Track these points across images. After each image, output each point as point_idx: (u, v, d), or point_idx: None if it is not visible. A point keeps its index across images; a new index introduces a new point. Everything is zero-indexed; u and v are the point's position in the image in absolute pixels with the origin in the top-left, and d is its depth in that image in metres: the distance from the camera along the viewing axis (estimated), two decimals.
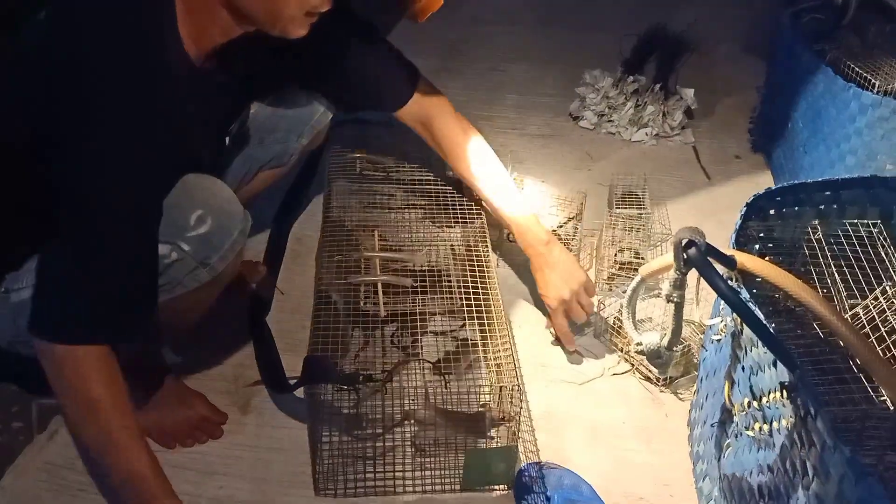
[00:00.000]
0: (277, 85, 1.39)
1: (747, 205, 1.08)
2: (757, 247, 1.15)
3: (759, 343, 0.89)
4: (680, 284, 0.88)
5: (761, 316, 0.84)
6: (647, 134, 2.14)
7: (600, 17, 2.71)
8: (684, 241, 0.86)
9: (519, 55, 2.51)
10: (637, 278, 1.06)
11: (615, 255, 1.64)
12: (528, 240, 1.44)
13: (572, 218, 1.74)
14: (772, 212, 1.13)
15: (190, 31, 1.05)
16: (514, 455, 1.19)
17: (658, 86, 2.19)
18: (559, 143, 2.12)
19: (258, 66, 1.21)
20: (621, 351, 1.38)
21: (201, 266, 1.08)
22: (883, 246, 1.08)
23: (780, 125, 1.93)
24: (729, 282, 0.92)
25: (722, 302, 1.05)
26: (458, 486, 1.20)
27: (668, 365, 0.94)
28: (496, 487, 1.21)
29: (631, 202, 1.80)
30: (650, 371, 1.23)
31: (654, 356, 0.93)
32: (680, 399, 1.34)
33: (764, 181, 2.02)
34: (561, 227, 1.74)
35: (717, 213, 1.87)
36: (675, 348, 0.95)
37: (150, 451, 1.03)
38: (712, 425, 1.11)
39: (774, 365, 0.85)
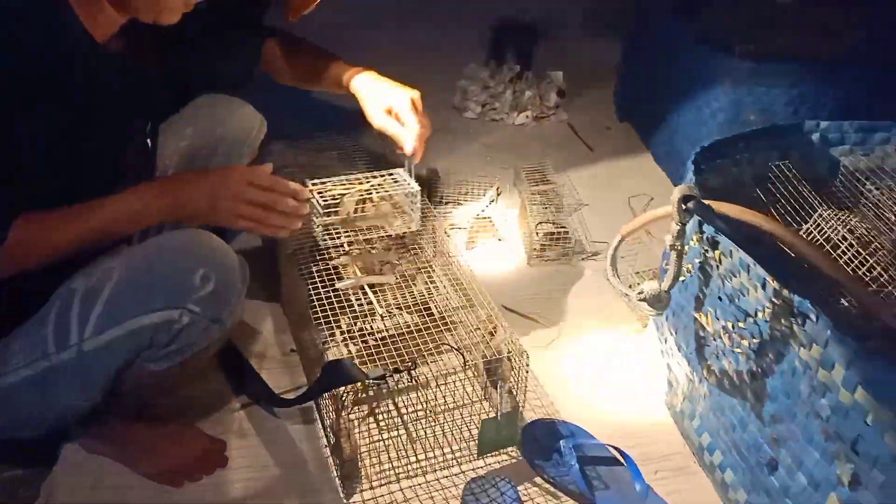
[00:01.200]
0: (178, 71, 1.35)
1: (691, 162, 1.24)
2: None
3: (743, 271, 1.06)
4: (680, 234, 1.02)
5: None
6: (527, 116, 2.32)
7: (455, 13, 2.86)
8: (683, 196, 1.01)
9: (391, 56, 2.56)
10: (617, 237, 1.20)
11: (536, 227, 1.78)
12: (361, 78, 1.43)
13: (492, 201, 1.88)
14: (703, 167, 1.31)
15: (83, 14, 1.04)
16: (519, 418, 1.29)
17: (529, 72, 2.37)
18: (452, 135, 2.25)
19: (158, 49, 1.21)
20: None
21: (213, 323, 1.10)
22: (795, 178, 1.30)
23: (644, 95, 2.17)
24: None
25: (685, 248, 1.22)
26: (474, 456, 1.28)
27: (666, 305, 1.09)
28: (507, 450, 1.31)
29: (537, 180, 1.96)
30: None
31: (656, 300, 1.07)
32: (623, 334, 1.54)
33: (637, 146, 2.27)
34: (483, 210, 1.87)
35: (608, 177, 2.08)
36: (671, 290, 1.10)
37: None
38: (688, 354, 1.28)
39: (763, 286, 1.02)
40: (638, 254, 1.73)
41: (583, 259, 1.78)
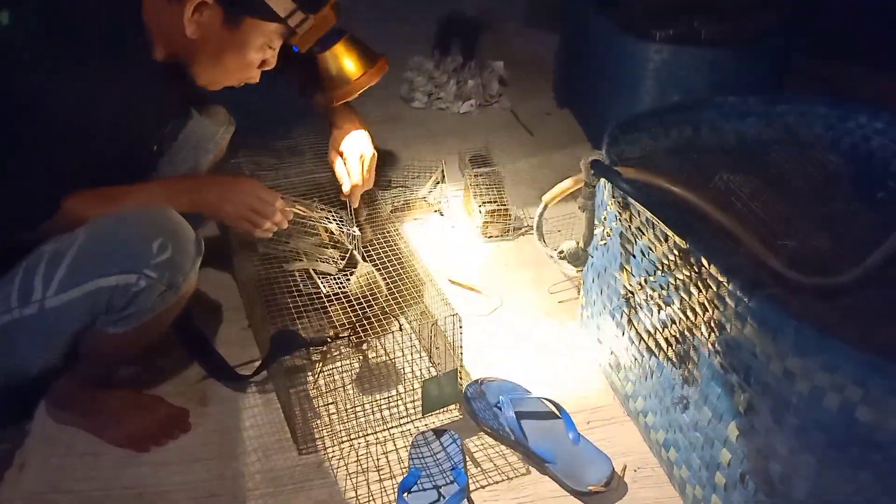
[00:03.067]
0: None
1: (607, 135, 1.36)
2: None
3: (650, 227, 1.18)
4: (590, 196, 1.13)
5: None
6: (471, 105, 2.43)
7: (400, 8, 2.96)
8: (590, 160, 1.12)
9: None
10: (541, 205, 1.31)
11: (480, 207, 1.89)
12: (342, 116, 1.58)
13: (438, 183, 1.98)
14: (620, 139, 1.43)
15: (155, 31, 1.20)
16: (458, 377, 1.40)
17: (472, 63, 2.48)
18: (401, 125, 2.35)
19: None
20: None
21: (168, 289, 1.18)
22: (704, 148, 1.43)
23: (581, 82, 2.30)
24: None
25: (604, 213, 1.35)
26: (419, 415, 1.39)
27: (584, 261, 1.20)
28: (450, 408, 1.41)
29: (480, 163, 2.07)
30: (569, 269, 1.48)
31: (574, 257, 1.18)
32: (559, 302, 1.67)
33: (575, 130, 2.39)
34: (430, 192, 1.98)
35: (546, 159, 2.21)
36: (588, 247, 1.21)
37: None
38: (612, 311, 1.40)
39: (665, 240, 1.14)
40: (572, 225, 1.85)
41: (523, 234, 1.89)
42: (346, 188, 1.53)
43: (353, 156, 1.53)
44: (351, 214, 1.54)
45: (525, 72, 2.64)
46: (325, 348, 1.24)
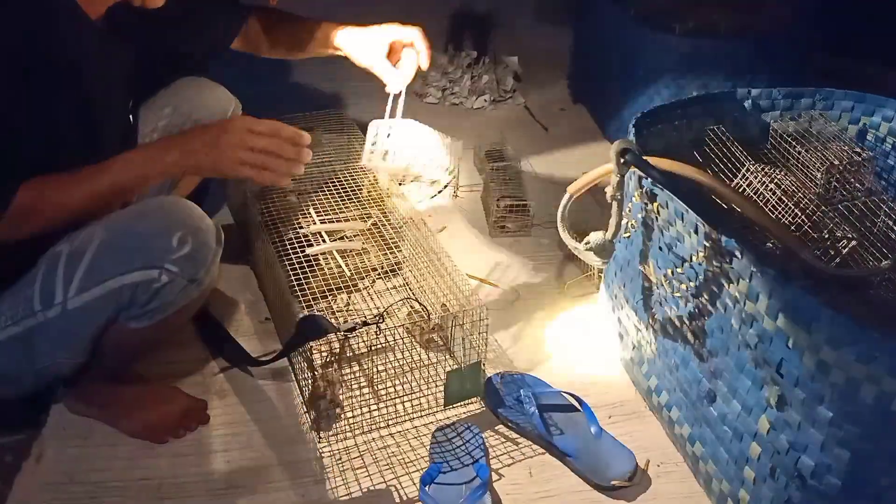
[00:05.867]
0: (158, 51, 1.40)
1: (632, 125, 1.35)
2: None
3: (678, 220, 1.16)
4: (619, 185, 1.12)
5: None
6: (485, 100, 2.42)
7: (411, 3, 2.94)
8: (621, 149, 1.11)
9: None
10: (566, 196, 1.30)
11: (497, 201, 1.88)
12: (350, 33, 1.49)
13: (453, 177, 1.97)
14: (644, 131, 1.41)
15: None
16: (482, 371, 1.39)
17: (486, 58, 2.47)
18: (414, 119, 2.32)
19: (141, 29, 1.27)
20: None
21: (190, 283, 1.16)
22: (727, 139, 1.41)
23: (596, 77, 2.29)
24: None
25: (628, 206, 1.33)
26: (441, 406, 1.37)
27: (611, 253, 1.19)
28: (472, 400, 1.40)
29: (496, 157, 2.05)
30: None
31: (601, 249, 1.17)
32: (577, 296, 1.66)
33: (589, 125, 2.38)
34: (445, 187, 1.97)
35: (563, 155, 2.20)
36: (615, 239, 1.20)
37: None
38: (635, 305, 1.38)
39: (696, 231, 1.13)
40: (589, 220, 1.83)
41: (540, 228, 1.88)
42: (395, 87, 1.43)
43: (415, 35, 1.43)
44: (394, 111, 1.45)
45: (538, 66, 2.63)
46: (353, 335, 1.22)
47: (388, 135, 1.42)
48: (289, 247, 1.43)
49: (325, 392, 1.29)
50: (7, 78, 1.02)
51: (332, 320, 1.28)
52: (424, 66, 1.44)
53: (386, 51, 1.44)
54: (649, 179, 1.19)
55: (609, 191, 1.15)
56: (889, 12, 2.19)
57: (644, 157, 1.14)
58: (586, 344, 1.55)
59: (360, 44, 1.45)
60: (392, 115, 1.46)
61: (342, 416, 1.32)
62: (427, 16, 2.72)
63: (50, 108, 1.09)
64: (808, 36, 2.07)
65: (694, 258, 1.13)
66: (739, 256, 1.05)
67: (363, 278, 1.51)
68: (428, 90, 2.42)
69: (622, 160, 1.11)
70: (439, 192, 1.98)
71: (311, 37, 1.50)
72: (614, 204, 1.15)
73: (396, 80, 1.43)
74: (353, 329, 1.22)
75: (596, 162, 2.12)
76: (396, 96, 1.43)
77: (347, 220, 1.51)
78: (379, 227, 1.55)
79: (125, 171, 1.13)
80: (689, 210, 1.09)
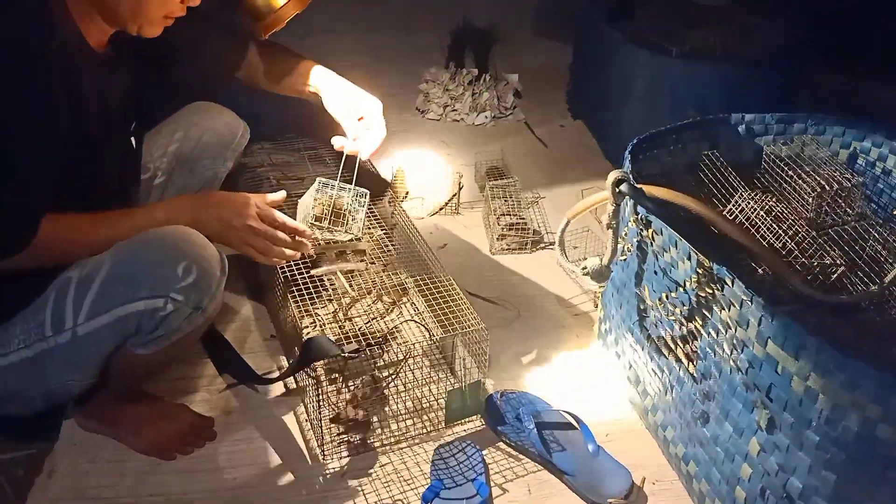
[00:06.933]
0: (158, 77, 1.45)
1: (628, 152, 1.39)
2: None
3: (673, 246, 1.20)
4: (615, 214, 1.16)
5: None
6: (486, 117, 2.46)
7: (411, 19, 2.99)
8: (616, 179, 1.15)
9: (354, 61, 2.68)
10: (564, 221, 1.33)
11: (498, 219, 1.92)
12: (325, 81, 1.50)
13: (454, 196, 2.01)
14: (640, 156, 1.45)
15: (81, 24, 1.17)
16: (482, 389, 1.42)
17: (486, 75, 2.51)
18: (416, 136, 2.38)
19: (141, 57, 1.32)
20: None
21: (195, 311, 1.20)
22: (721, 164, 1.45)
23: (595, 95, 2.33)
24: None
25: (624, 231, 1.37)
26: (442, 425, 1.41)
27: (607, 277, 1.22)
28: (472, 418, 1.44)
29: (496, 175, 2.09)
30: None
31: (598, 274, 1.21)
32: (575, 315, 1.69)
33: (588, 141, 2.42)
34: (448, 203, 2.01)
35: (562, 172, 2.23)
36: (611, 264, 1.24)
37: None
38: (631, 326, 1.42)
39: (689, 258, 1.17)
40: (589, 241, 1.87)
41: (541, 248, 1.92)
42: (366, 154, 1.44)
43: (375, 111, 1.45)
44: (354, 175, 1.47)
45: (538, 82, 2.67)
46: (357, 356, 1.26)
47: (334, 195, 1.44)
48: (294, 267, 1.46)
49: (329, 409, 1.32)
50: (30, 112, 1.07)
51: (336, 340, 1.32)
52: (364, 156, 1.45)
53: (356, 112, 1.48)
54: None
55: (605, 219, 1.18)
56: (881, 30, 2.23)
57: (639, 186, 1.18)
58: (585, 362, 1.59)
59: (336, 96, 1.48)
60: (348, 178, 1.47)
61: (346, 434, 1.36)
62: (428, 32, 2.79)
63: (54, 135, 1.13)
64: (801, 55, 2.11)
65: (687, 283, 1.17)
66: (731, 284, 1.09)
67: (366, 296, 1.55)
68: (429, 107, 2.46)
69: (618, 190, 1.15)
70: (440, 208, 2.03)
71: (294, 73, 1.52)
72: (610, 231, 1.19)
73: (365, 147, 1.45)
74: (357, 351, 1.26)
75: (595, 178, 2.20)
76: (356, 159, 1.46)
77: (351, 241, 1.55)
78: (382, 247, 1.58)
79: (146, 222, 1.21)
80: (682, 238, 1.13)
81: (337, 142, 1.45)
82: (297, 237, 1.35)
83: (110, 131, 1.27)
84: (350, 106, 1.47)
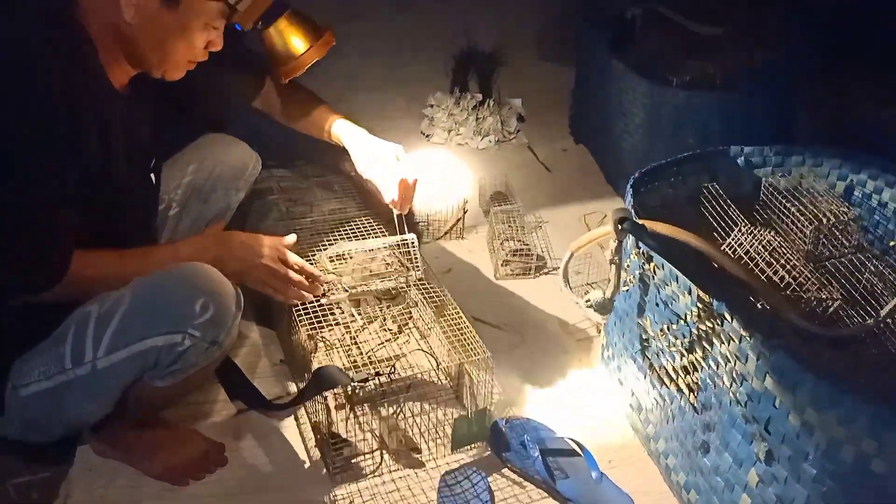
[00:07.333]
0: (177, 114, 1.53)
1: (630, 186, 1.42)
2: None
3: (674, 280, 1.24)
4: (617, 249, 1.19)
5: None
6: (490, 141, 2.50)
7: (414, 43, 3.02)
8: (619, 217, 1.18)
9: (358, 85, 2.75)
10: (568, 253, 1.37)
11: (502, 244, 1.96)
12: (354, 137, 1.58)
13: (459, 220, 2.05)
14: (642, 189, 1.49)
15: (106, 64, 1.22)
16: (488, 416, 1.46)
17: (490, 100, 2.56)
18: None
19: (161, 96, 1.38)
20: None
21: (211, 345, 1.25)
22: (720, 197, 1.49)
23: (596, 120, 2.37)
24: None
25: (627, 262, 1.40)
26: (448, 451, 1.44)
27: (610, 310, 1.26)
28: (476, 445, 1.47)
29: (500, 200, 2.13)
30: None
31: (601, 306, 1.24)
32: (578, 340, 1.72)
33: (591, 166, 2.46)
34: (453, 227, 2.05)
35: (565, 196, 2.27)
36: (613, 297, 1.28)
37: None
38: (633, 354, 1.45)
39: (689, 292, 1.20)
40: (591, 266, 1.91)
41: (544, 273, 1.96)
42: (388, 196, 1.53)
43: (389, 157, 1.53)
44: (398, 220, 1.58)
45: (541, 107, 2.71)
46: (366, 385, 1.29)
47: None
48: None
49: (338, 436, 1.36)
50: (63, 154, 1.12)
51: (345, 368, 1.35)
52: (404, 210, 1.55)
53: (384, 167, 1.54)
54: None
55: (608, 255, 1.22)
56: (880, 51, 2.26)
57: (641, 223, 1.22)
58: (588, 388, 1.62)
59: (362, 156, 1.55)
60: (401, 231, 1.57)
61: (354, 459, 1.39)
62: (432, 58, 2.83)
63: (86, 175, 1.17)
64: (800, 80, 2.15)
65: (688, 316, 1.20)
66: (730, 319, 1.12)
67: (372, 323, 1.58)
68: (434, 131, 2.51)
69: (620, 227, 1.19)
70: (445, 233, 2.06)
71: (312, 118, 1.59)
72: (612, 267, 1.22)
73: (403, 203, 1.55)
74: (365, 380, 1.29)
75: (597, 202, 2.23)
76: (400, 215, 1.56)
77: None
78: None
79: (170, 259, 1.27)
80: (682, 274, 1.16)
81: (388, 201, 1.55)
82: (311, 279, 1.43)
83: (135, 169, 1.32)
84: (380, 159, 1.54)
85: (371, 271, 1.51)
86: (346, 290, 1.47)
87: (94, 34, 1.18)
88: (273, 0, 1.36)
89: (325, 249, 1.52)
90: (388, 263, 1.54)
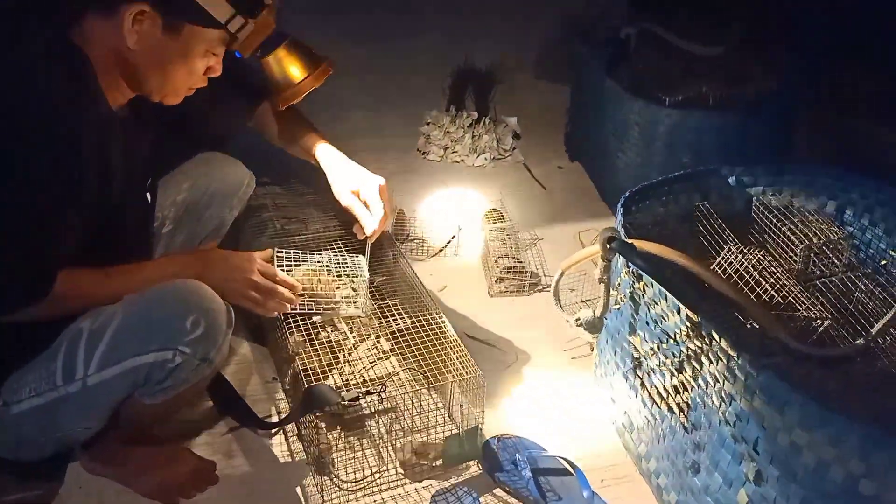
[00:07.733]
0: (175, 135, 1.52)
1: (621, 205, 1.43)
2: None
3: (663, 299, 1.24)
4: (606, 269, 1.20)
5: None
6: (485, 159, 2.51)
7: (413, 62, 3.04)
8: (607, 237, 1.19)
9: (354, 104, 2.77)
10: (558, 272, 1.38)
11: (496, 262, 1.96)
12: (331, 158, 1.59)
13: (454, 237, 2.06)
14: (633, 208, 1.50)
15: (106, 86, 1.22)
16: (479, 434, 1.45)
17: (486, 118, 2.57)
18: (417, 176, 2.43)
19: (159, 119, 1.38)
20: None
21: (202, 362, 1.25)
22: (712, 216, 1.50)
23: (592, 139, 2.38)
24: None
25: (617, 280, 1.41)
26: (440, 470, 1.44)
27: (601, 328, 1.26)
28: (469, 463, 1.46)
29: (496, 217, 2.14)
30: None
31: (591, 325, 1.25)
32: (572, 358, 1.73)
33: (585, 184, 2.47)
34: (447, 244, 2.05)
35: (560, 214, 2.28)
36: (605, 316, 1.28)
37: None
38: (625, 372, 1.45)
39: (678, 311, 1.20)
40: (586, 284, 1.91)
41: (538, 290, 1.96)
42: (369, 230, 1.55)
43: (372, 191, 1.54)
44: (368, 254, 1.59)
45: (536, 125, 2.73)
46: (356, 404, 1.29)
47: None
48: (296, 313, 1.50)
49: (329, 454, 1.35)
50: (60, 173, 1.12)
51: (336, 387, 1.35)
52: (367, 233, 1.56)
53: (360, 193, 1.56)
54: None
55: (597, 274, 1.22)
56: (876, 70, 2.28)
57: (630, 242, 1.22)
58: (580, 406, 1.62)
59: (338, 179, 1.57)
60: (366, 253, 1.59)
61: (345, 478, 1.39)
62: (429, 76, 2.85)
63: (81, 196, 1.17)
64: (795, 100, 2.17)
65: (677, 335, 1.21)
66: (718, 339, 1.13)
67: (364, 341, 1.58)
68: (430, 148, 2.52)
69: (609, 246, 1.19)
70: (440, 251, 2.07)
71: (300, 141, 1.61)
72: (602, 286, 1.23)
73: (367, 227, 1.55)
74: (356, 399, 1.29)
75: (592, 220, 2.24)
76: (370, 237, 1.57)
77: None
78: (381, 293, 1.63)
79: (157, 276, 1.27)
80: (671, 294, 1.17)
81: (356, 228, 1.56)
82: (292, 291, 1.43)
83: (132, 191, 1.33)
84: (353, 186, 1.55)
85: (320, 281, 1.52)
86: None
87: (95, 58, 1.19)
88: (273, 29, 1.38)
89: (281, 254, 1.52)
90: (338, 278, 1.55)
